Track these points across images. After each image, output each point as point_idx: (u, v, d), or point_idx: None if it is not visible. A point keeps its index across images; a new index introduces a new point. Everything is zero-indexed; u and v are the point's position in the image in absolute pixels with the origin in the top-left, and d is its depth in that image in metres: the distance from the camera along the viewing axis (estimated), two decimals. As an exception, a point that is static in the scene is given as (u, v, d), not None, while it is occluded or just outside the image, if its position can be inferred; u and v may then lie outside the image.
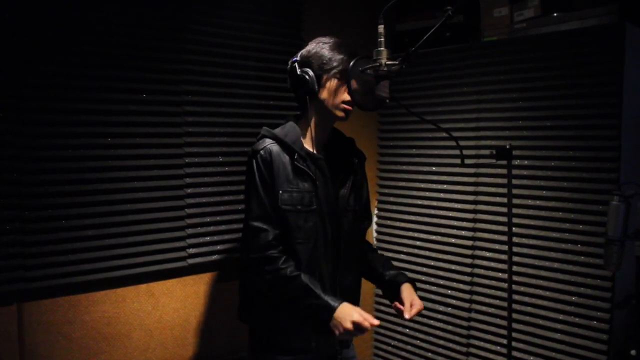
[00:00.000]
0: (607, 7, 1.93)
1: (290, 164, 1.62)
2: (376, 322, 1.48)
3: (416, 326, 2.51)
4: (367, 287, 2.15)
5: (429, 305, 2.45)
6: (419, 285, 2.48)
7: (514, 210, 2.09)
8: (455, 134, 2.26)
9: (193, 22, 2.06)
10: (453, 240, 2.37)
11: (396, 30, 2.64)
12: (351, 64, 1.53)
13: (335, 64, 1.61)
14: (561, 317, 2.02)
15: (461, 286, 2.34)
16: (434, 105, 2.43)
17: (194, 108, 2.07)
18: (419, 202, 2.51)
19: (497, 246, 2.22)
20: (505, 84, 2.17)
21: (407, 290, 1.70)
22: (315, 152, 1.69)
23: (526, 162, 2.10)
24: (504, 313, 2.16)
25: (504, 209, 2.15)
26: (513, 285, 1.93)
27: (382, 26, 1.48)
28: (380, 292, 2.61)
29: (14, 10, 1.67)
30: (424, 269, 2.48)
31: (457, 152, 2.33)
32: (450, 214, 2.38)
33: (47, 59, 1.75)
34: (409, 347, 2.55)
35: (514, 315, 2.10)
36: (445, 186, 2.41)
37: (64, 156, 1.79)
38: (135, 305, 1.99)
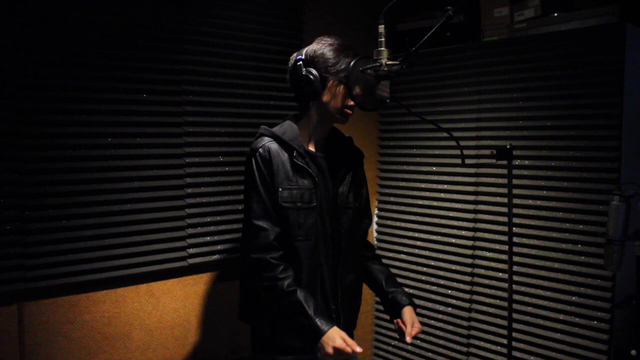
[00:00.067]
0: (608, 7, 1.93)
1: (289, 161, 1.63)
2: (358, 349, 1.50)
3: (416, 326, 2.51)
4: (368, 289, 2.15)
5: (430, 305, 2.46)
6: (419, 285, 2.50)
7: (515, 210, 2.09)
8: (456, 134, 2.26)
9: (193, 22, 2.05)
10: (453, 240, 2.37)
11: (397, 30, 2.64)
12: (351, 64, 1.54)
13: (342, 67, 1.60)
14: (561, 317, 2.02)
15: (461, 286, 2.34)
16: (435, 105, 2.43)
17: (194, 108, 2.07)
18: (420, 202, 2.51)
19: (497, 246, 2.22)
20: (506, 84, 2.17)
21: (409, 314, 1.73)
22: (314, 150, 1.70)
23: (526, 162, 2.10)
24: (505, 313, 2.16)
25: (505, 209, 2.15)
26: (513, 285, 1.94)
27: (383, 26, 1.48)
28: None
29: (14, 10, 1.67)
30: (424, 269, 2.48)
31: (457, 152, 2.33)
32: (451, 213, 2.38)
33: (48, 59, 1.75)
34: (409, 347, 2.55)
35: (514, 315, 2.10)
36: (445, 186, 2.41)
37: (64, 156, 1.79)
38: (136, 305, 1.99)
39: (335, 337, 1.52)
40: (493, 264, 2.23)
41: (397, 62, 1.46)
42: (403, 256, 2.58)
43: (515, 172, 2.10)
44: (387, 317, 2.61)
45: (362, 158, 1.85)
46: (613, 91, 1.88)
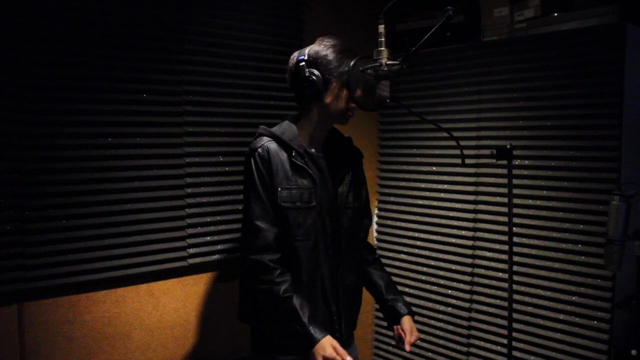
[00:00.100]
0: (608, 7, 1.93)
1: (288, 161, 1.62)
2: (349, 359, 1.52)
3: (417, 326, 2.50)
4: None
5: (430, 305, 2.46)
6: (419, 285, 2.50)
7: (515, 210, 2.09)
8: (456, 134, 2.26)
9: (193, 22, 2.05)
10: (453, 240, 2.37)
11: (397, 30, 2.64)
12: (351, 64, 1.53)
13: (345, 69, 1.60)
14: (562, 317, 2.02)
15: (461, 286, 2.34)
16: (435, 105, 2.43)
17: (194, 108, 2.07)
18: (420, 202, 2.51)
19: (497, 246, 2.22)
20: (506, 84, 2.17)
21: (408, 323, 1.76)
22: (313, 150, 1.70)
23: (527, 162, 2.10)
24: (505, 313, 2.16)
25: (505, 209, 2.15)
26: (513, 285, 1.93)
27: (383, 26, 1.48)
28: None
29: (14, 10, 1.67)
30: (425, 269, 2.48)
31: (457, 151, 2.33)
32: (451, 213, 2.38)
33: (48, 59, 1.75)
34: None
35: (515, 315, 2.10)
36: (445, 186, 2.41)
37: (64, 156, 1.79)
38: (136, 305, 1.99)
39: (326, 347, 1.53)
40: (493, 264, 2.23)
41: (397, 62, 1.46)
42: (403, 256, 2.58)
43: (515, 172, 2.10)
44: (387, 317, 2.62)
45: (361, 158, 1.85)
46: (613, 91, 1.88)
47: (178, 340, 2.10)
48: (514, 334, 2.10)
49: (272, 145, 1.63)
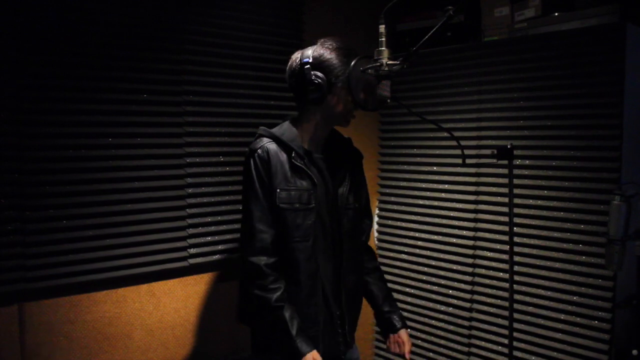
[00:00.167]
0: (608, 7, 1.93)
1: (288, 162, 1.62)
2: None
3: (417, 326, 2.51)
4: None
5: (430, 305, 2.46)
6: (419, 285, 2.50)
7: (515, 210, 2.09)
8: (456, 134, 2.26)
9: (193, 22, 2.05)
10: (454, 240, 2.37)
11: (397, 30, 2.64)
12: (352, 64, 1.53)
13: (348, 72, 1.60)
14: (562, 317, 2.02)
15: (462, 286, 2.34)
16: (435, 105, 2.43)
17: (194, 108, 2.07)
18: (420, 202, 2.51)
19: (498, 246, 2.21)
20: (506, 84, 2.17)
21: (406, 334, 1.86)
22: (313, 151, 1.70)
23: (527, 161, 2.10)
24: (506, 313, 2.16)
25: (505, 209, 2.15)
26: (514, 285, 1.93)
27: (383, 26, 1.48)
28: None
29: (14, 10, 1.67)
30: (425, 269, 2.48)
31: (458, 151, 2.33)
32: (452, 213, 2.38)
33: (48, 59, 1.75)
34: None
35: (515, 315, 2.10)
36: (446, 186, 2.40)
37: (65, 156, 1.79)
38: (137, 305, 1.99)
39: None
40: (494, 264, 2.23)
41: (398, 62, 1.46)
42: (404, 256, 2.58)
43: (516, 172, 2.10)
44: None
45: (361, 159, 1.85)
46: (614, 91, 1.87)
47: (179, 340, 2.10)
48: (515, 334, 2.10)
49: (272, 146, 1.63)
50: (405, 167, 2.57)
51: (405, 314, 2.55)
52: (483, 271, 2.27)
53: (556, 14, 2.08)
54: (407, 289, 2.55)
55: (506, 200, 2.07)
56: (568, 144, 2.00)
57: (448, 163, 2.40)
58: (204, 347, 2.17)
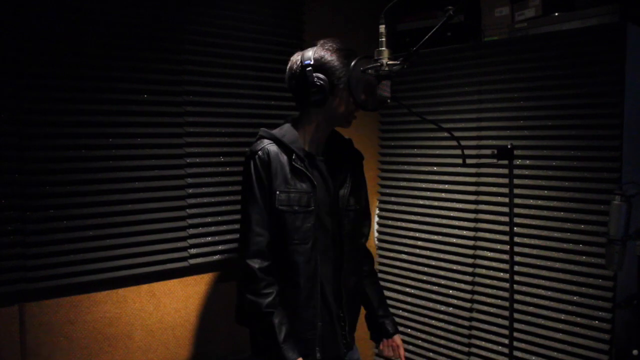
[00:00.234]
0: (608, 6, 1.93)
1: (288, 164, 1.62)
2: None
3: (418, 326, 2.51)
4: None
5: (431, 305, 2.46)
6: (420, 285, 2.50)
7: (516, 210, 2.09)
8: (457, 134, 2.26)
9: (193, 22, 2.05)
10: (454, 240, 2.37)
11: (397, 30, 2.64)
12: (352, 64, 1.53)
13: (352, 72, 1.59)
14: (563, 317, 2.02)
15: (463, 286, 2.34)
16: (435, 105, 2.43)
17: (194, 108, 2.07)
18: (420, 202, 2.51)
19: (498, 246, 2.21)
20: (507, 84, 2.17)
21: (399, 339, 1.90)
22: (314, 153, 1.69)
23: (527, 161, 2.10)
24: (506, 313, 2.16)
25: (506, 209, 2.15)
26: (514, 285, 1.93)
27: (383, 26, 1.48)
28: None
29: (14, 10, 1.67)
30: (426, 269, 2.48)
31: (458, 151, 2.33)
32: (452, 214, 2.38)
33: (48, 60, 1.75)
34: (410, 347, 2.54)
35: (516, 315, 2.10)
36: (446, 186, 2.40)
37: (65, 157, 1.79)
38: (137, 306, 1.99)
39: None
40: (494, 264, 2.23)
41: (398, 62, 1.46)
42: (404, 256, 2.58)
43: (516, 172, 2.09)
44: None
45: (361, 160, 1.85)
46: (614, 90, 1.87)
47: (179, 340, 2.10)
48: (515, 334, 2.10)
49: (273, 148, 1.62)
50: (405, 167, 2.57)
51: (405, 314, 2.56)
52: (483, 271, 2.27)
53: (556, 14, 2.08)
54: (407, 289, 2.55)
55: (506, 200, 2.07)
56: (568, 144, 2.00)
57: (448, 163, 2.40)
58: (204, 348, 2.17)
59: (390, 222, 2.65)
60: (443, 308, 2.41)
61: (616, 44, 1.86)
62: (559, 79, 2.02)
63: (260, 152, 1.62)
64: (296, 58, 1.65)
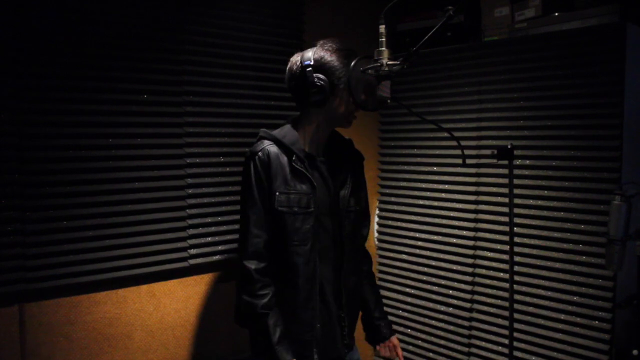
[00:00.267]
0: (608, 6, 1.93)
1: (288, 165, 1.62)
2: None
3: (418, 326, 2.51)
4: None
5: (431, 305, 2.45)
6: (420, 285, 2.50)
7: (516, 210, 2.09)
8: (457, 134, 2.26)
9: (193, 22, 2.05)
10: (454, 241, 2.37)
11: (397, 30, 2.64)
12: (352, 64, 1.53)
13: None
14: (563, 317, 2.02)
15: (462, 286, 2.34)
16: (435, 105, 2.43)
17: (194, 108, 2.07)
18: (420, 202, 2.51)
19: (498, 246, 2.21)
20: (506, 84, 2.17)
21: (396, 340, 1.92)
22: (314, 154, 1.69)
23: (527, 162, 2.10)
24: (506, 313, 2.16)
25: (506, 209, 2.15)
26: (514, 285, 1.93)
27: (383, 26, 1.48)
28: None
29: (14, 10, 1.67)
30: (425, 269, 2.48)
31: (458, 152, 2.33)
32: (452, 214, 2.38)
33: (48, 60, 1.75)
34: (410, 347, 2.54)
35: (516, 315, 2.10)
36: (446, 186, 2.40)
37: (65, 157, 1.79)
38: (137, 306, 1.98)
39: None
40: (494, 264, 2.23)
41: (398, 62, 1.46)
42: (404, 256, 2.58)
43: (516, 172, 2.09)
44: (389, 317, 2.61)
45: (362, 161, 1.85)
46: (614, 90, 1.87)
47: (179, 340, 2.10)
48: (515, 334, 2.09)
49: (273, 149, 1.62)
50: (405, 167, 2.57)
51: (405, 314, 2.56)
52: (483, 271, 2.27)
53: (556, 14, 2.08)
54: (407, 289, 2.55)
55: (506, 200, 2.07)
56: (568, 144, 2.00)
57: (448, 163, 2.40)
58: (204, 348, 2.17)
59: (390, 222, 2.65)
60: (443, 308, 2.41)
61: (616, 44, 1.86)
62: (559, 79, 2.02)
63: (260, 153, 1.62)
64: (296, 59, 1.65)
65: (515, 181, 2.08)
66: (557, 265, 2.03)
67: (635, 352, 1.84)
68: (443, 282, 2.41)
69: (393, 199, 2.63)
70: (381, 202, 2.70)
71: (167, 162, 2.01)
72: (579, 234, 1.98)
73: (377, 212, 2.73)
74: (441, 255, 2.42)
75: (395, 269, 2.61)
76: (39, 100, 1.74)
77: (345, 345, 1.75)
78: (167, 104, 2.00)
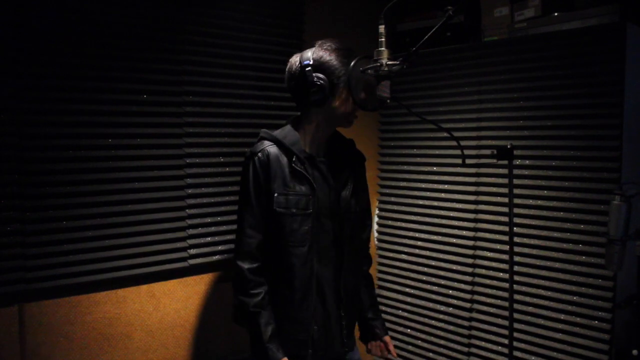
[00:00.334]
0: (608, 6, 1.93)
1: (288, 166, 1.62)
2: None
3: (417, 326, 2.51)
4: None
5: (430, 305, 2.46)
6: (419, 285, 2.50)
7: (515, 210, 2.09)
8: (456, 134, 2.26)
9: (193, 22, 2.05)
10: (454, 241, 2.37)
11: (397, 30, 2.64)
12: (351, 64, 1.53)
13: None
14: (562, 317, 2.02)
15: (462, 286, 2.34)
16: (435, 105, 2.43)
17: (194, 108, 2.07)
18: (420, 202, 2.51)
19: (498, 246, 2.21)
20: (506, 84, 2.17)
21: (388, 338, 1.89)
22: (315, 154, 1.69)
23: (527, 161, 2.10)
24: (506, 313, 2.16)
25: (505, 209, 2.15)
26: (514, 285, 1.93)
27: (383, 26, 1.48)
28: (380, 293, 2.62)
29: (14, 10, 1.67)
30: (425, 269, 2.48)
31: (458, 152, 2.33)
32: (452, 214, 2.38)
33: (48, 60, 1.75)
34: (410, 347, 2.55)
35: (515, 315, 2.10)
36: (446, 186, 2.40)
37: (65, 157, 1.79)
38: (137, 306, 1.98)
39: None
40: (494, 264, 2.23)
41: (398, 62, 1.46)
42: (404, 256, 2.58)
43: (516, 172, 2.10)
44: (389, 317, 2.62)
45: (363, 161, 1.85)
46: (614, 90, 1.87)
47: (178, 340, 2.10)
48: (515, 334, 2.10)
49: (273, 150, 1.62)
50: (405, 167, 2.57)
51: (405, 314, 2.56)
52: (483, 271, 2.27)
53: (556, 14, 2.08)
54: (407, 289, 2.55)
55: (506, 200, 2.07)
56: (568, 144, 2.00)
57: (448, 163, 2.40)
58: (204, 348, 2.17)
59: (390, 222, 2.65)
60: (443, 308, 2.41)
61: (616, 44, 1.86)
62: (559, 79, 2.02)
63: (260, 154, 1.62)
64: (295, 59, 1.65)
65: (515, 181, 2.08)
66: (557, 265, 2.03)
67: (635, 352, 1.84)
68: (443, 282, 2.41)
69: (393, 199, 2.63)
70: (381, 202, 2.70)
71: (166, 162, 2.01)
72: (578, 234, 1.98)
73: (377, 212, 2.73)
74: (441, 255, 2.42)
75: (394, 269, 2.61)
76: (39, 100, 1.74)
77: (345, 345, 1.75)
78: (167, 104, 2.00)
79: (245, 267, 1.61)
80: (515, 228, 2.09)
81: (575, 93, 1.98)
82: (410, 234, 2.55)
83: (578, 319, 1.98)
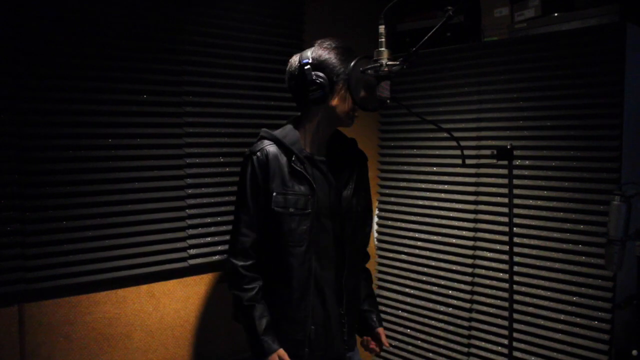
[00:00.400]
0: (608, 6, 1.93)
1: (287, 165, 1.62)
2: None
3: (417, 326, 2.51)
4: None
5: (430, 305, 2.46)
6: (419, 285, 2.51)
7: (515, 211, 2.09)
8: (456, 134, 2.26)
9: (193, 22, 2.05)
10: (454, 241, 2.37)
11: (397, 31, 2.64)
12: (351, 64, 1.53)
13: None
14: (562, 317, 2.02)
15: (462, 286, 2.34)
16: (435, 106, 2.43)
17: (194, 108, 2.07)
18: (420, 202, 2.51)
19: (498, 246, 2.21)
20: (506, 84, 2.17)
21: (383, 332, 1.86)
22: (316, 154, 1.69)
23: (527, 162, 2.10)
24: (505, 313, 2.16)
25: (505, 209, 2.15)
26: (514, 286, 1.94)
27: (383, 26, 1.48)
28: (379, 293, 2.61)
29: (14, 10, 1.67)
30: (425, 269, 2.48)
31: (458, 152, 2.33)
32: (451, 214, 2.38)
33: (48, 60, 1.75)
34: (409, 347, 2.54)
35: (515, 316, 2.10)
36: (446, 186, 2.40)
37: (65, 157, 1.79)
38: (136, 306, 1.99)
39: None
40: (494, 264, 2.23)
41: (398, 63, 1.46)
42: (403, 256, 2.58)
43: (515, 172, 2.10)
44: (389, 317, 2.62)
45: (365, 161, 1.85)
46: (613, 91, 1.87)
47: (178, 340, 2.10)
48: (515, 334, 2.09)
49: (272, 149, 1.63)
50: (405, 168, 2.57)
51: (404, 314, 2.56)
52: (483, 271, 2.27)
53: (556, 14, 2.08)
54: (407, 289, 2.55)
55: (506, 200, 2.07)
56: (568, 144, 2.00)
57: (448, 163, 2.40)
58: (203, 348, 2.17)
59: (390, 222, 2.65)
60: (443, 308, 2.41)
61: (616, 44, 1.86)
62: (559, 79, 2.02)
63: (259, 153, 1.62)
64: (295, 59, 1.66)
65: (515, 181, 2.08)
66: (557, 265, 2.03)
67: (634, 352, 1.84)
68: (442, 282, 2.41)
69: (393, 199, 2.63)
70: (381, 202, 2.70)
71: (166, 162, 2.01)
72: (578, 234, 1.98)
73: (377, 212, 2.73)
74: (441, 256, 2.42)
75: (394, 269, 2.61)
76: (39, 100, 1.74)
77: (345, 345, 1.75)
78: (167, 104, 2.00)
79: (239, 264, 1.63)
80: (515, 228, 2.09)
81: (575, 93, 1.98)
82: (410, 234, 2.55)
83: (578, 319, 1.98)
